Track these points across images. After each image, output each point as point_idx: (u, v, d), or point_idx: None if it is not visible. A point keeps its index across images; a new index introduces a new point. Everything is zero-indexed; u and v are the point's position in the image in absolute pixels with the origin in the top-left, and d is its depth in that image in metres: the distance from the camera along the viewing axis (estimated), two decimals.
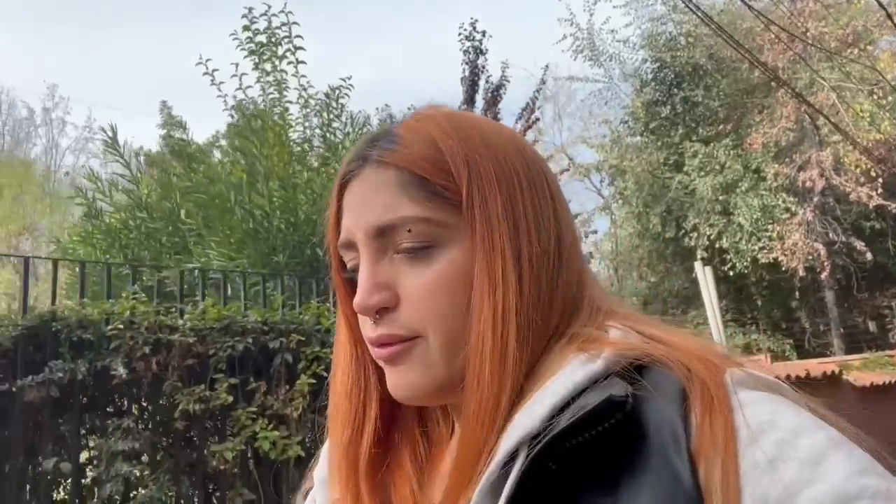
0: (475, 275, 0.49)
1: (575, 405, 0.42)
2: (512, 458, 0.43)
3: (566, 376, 0.44)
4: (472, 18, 6.87)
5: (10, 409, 2.37)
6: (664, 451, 0.41)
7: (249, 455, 2.84)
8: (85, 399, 2.54)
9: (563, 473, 0.42)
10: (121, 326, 2.52)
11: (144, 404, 2.71)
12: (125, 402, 2.66)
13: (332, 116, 6.29)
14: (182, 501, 2.67)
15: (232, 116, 6.07)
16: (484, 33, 6.86)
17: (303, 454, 2.90)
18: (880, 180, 9.40)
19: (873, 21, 9.57)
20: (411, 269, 0.51)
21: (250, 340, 2.84)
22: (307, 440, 2.95)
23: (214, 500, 2.81)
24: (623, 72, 12.51)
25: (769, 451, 0.40)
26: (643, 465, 0.41)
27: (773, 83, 9.84)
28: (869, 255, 10.03)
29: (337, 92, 6.16)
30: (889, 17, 8.63)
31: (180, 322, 2.70)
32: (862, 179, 9.69)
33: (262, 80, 5.92)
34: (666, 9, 11.60)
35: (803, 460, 0.39)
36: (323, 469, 0.60)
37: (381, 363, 0.54)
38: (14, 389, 2.34)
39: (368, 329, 0.53)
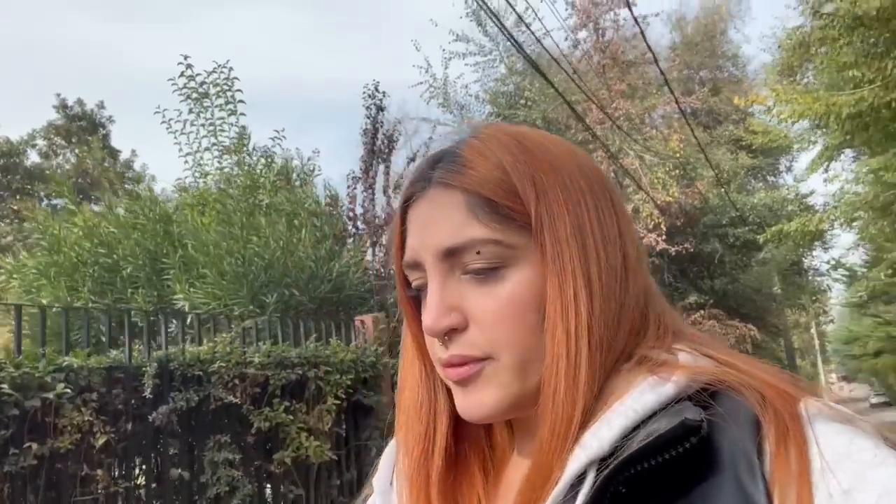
0: (547, 296, 0.49)
1: (645, 429, 0.42)
2: (580, 479, 0.43)
3: (635, 399, 0.44)
4: (374, 80, 7.92)
5: (146, 432, 3.00)
6: (738, 478, 0.40)
7: (298, 459, 3.67)
8: (193, 422, 3.21)
9: (632, 497, 0.41)
10: (223, 364, 3.24)
11: (232, 423, 3.42)
12: (222, 422, 3.35)
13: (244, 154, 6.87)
14: (259, 497, 3.44)
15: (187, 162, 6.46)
16: (384, 94, 7.94)
17: (333, 457, 3.80)
18: (663, 228, 12.04)
19: (665, 102, 12.33)
20: (480, 291, 0.51)
21: (298, 371, 3.68)
22: (333, 447, 3.84)
23: (278, 496, 3.59)
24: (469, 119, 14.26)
25: (845, 482, 0.39)
26: (716, 492, 0.41)
27: (590, 145, 12.12)
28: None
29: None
30: (678, 104, 11.33)
31: (256, 357, 3.47)
32: (651, 227, 12.31)
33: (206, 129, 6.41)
34: (506, 70, 13.56)
35: (881, 493, 0.38)
36: (383, 479, 0.60)
37: (449, 383, 0.54)
38: (149, 417, 2.97)
39: (437, 350, 0.52)
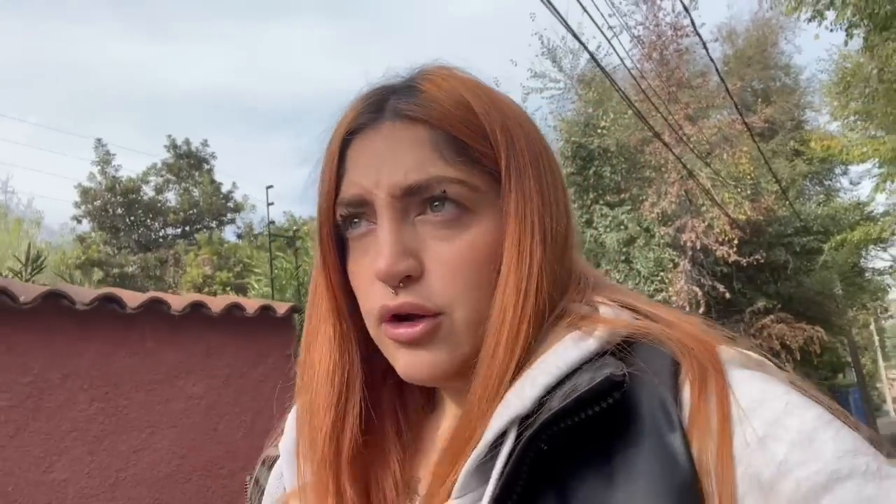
0: (506, 247, 0.47)
1: (568, 385, 0.41)
2: (501, 438, 0.42)
3: (558, 355, 0.43)
4: None
5: None
6: (658, 429, 0.40)
7: None
8: None
9: (554, 454, 0.40)
10: None
11: None
12: None
13: None
14: None
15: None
16: None
17: None
18: (735, 242, 13.17)
19: (728, 124, 13.51)
20: (439, 237, 0.47)
21: None
22: None
23: None
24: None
25: (760, 429, 0.39)
26: (637, 444, 0.40)
27: (661, 168, 13.38)
28: (724, 292, 13.86)
29: None
30: (745, 124, 12.49)
31: None
32: (721, 240, 13.46)
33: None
34: (580, 102, 14.91)
35: (794, 440, 0.39)
36: (290, 443, 0.56)
37: (386, 344, 0.49)
38: None
39: (381, 296, 0.47)
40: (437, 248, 0.48)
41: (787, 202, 15.00)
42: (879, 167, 9.18)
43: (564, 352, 0.44)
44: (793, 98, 20.50)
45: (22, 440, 2.58)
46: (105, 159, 18.43)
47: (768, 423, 0.40)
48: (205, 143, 19.93)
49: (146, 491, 2.94)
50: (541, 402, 0.41)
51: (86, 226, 18.48)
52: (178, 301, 3.23)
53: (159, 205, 19.56)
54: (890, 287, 22.76)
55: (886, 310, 28.03)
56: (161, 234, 19.70)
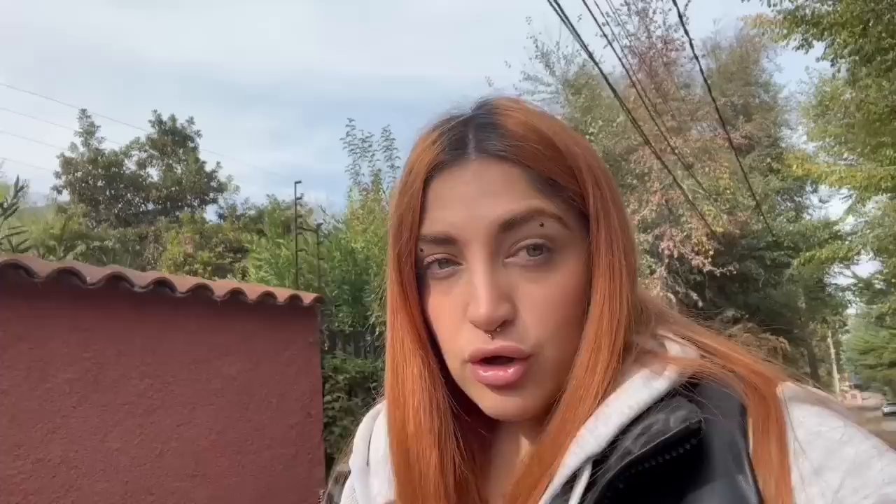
0: (598, 285, 0.48)
1: (641, 425, 0.42)
2: (574, 475, 0.43)
3: (629, 395, 0.44)
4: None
5: None
6: (728, 470, 0.41)
7: None
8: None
9: (629, 493, 0.41)
10: None
11: None
12: None
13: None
14: None
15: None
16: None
17: None
18: (711, 252, 13.68)
19: (710, 139, 13.97)
20: (530, 278, 0.47)
21: None
22: None
23: None
24: None
25: (816, 459, 0.40)
26: (708, 485, 0.41)
27: (644, 177, 13.79)
28: (696, 300, 14.38)
29: None
30: (729, 139, 12.97)
31: None
32: (697, 250, 13.96)
33: None
34: (569, 108, 15.23)
35: (849, 469, 0.39)
36: (360, 460, 0.57)
37: (479, 385, 0.49)
38: None
39: (474, 340, 0.47)
40: (528, 290, 0.47)
41: (762, 217, 15.57)
42: (850, 192, 9.69)
43: (636, 392, 0.44)
44: (771, 115, 21.17)
45: (83, 411, 2.77)
46: (89, 130, 18.20)
47: (824, 453, 0.41)
48: (190, 121, 19.80)
49: (187, 462, 3.15)
50: (613, 442, 0.43)
51: (66, 197, 18.25)
52: (219, 287, 3.43)
53: (141, 180, 19.39)
54: (850, 303, 23.74)
55: (844, 324, 29.17)
56: (142, 209, 19.54)
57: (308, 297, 4.00)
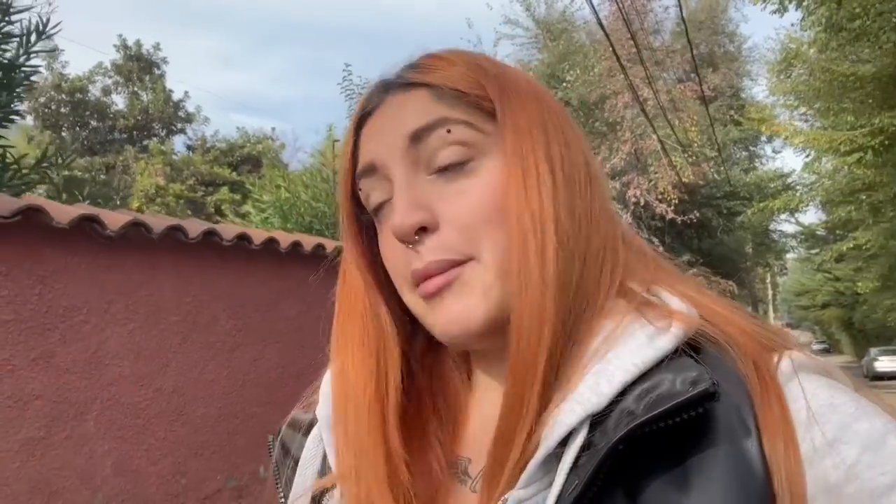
0: (509, 181, 0.47)
1: (644, 385, 0.41)
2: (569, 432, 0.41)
3: (633, 352, 0.42)
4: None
5: None
6: (734, 435, 0.40)
7: None
8: None
9: (629, 454, 0.40)
10: None
11: None
12: None
13: None
14: None
15: None
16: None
17: None
18: (675, 201, 14.47)
19: (681, 91, 14.55)
20: (451, 188, 0.48)
21: None
22: None
23: None
24: None
25: (830, 432, 0.40)
26: (713, 449, 0.40)
27: (616, 126, 14.34)
28: (658, 246, 15.27)
29: None
30: (701, 91, 13.52)
31: None
32: (661, 198, 14.73)
33: None
34: (547, 54, 15.48)
35: (865, 443, 0.39)
36: (325, 409, 0.55)
37: (419, 305, 0.49)
38: None
39: (409, 260, 0.48)
40: (450, 198, 0.47)
41: (723, 168, 16.43)
42: (809, 150, 10.48)
43: (639, 350, 0.42)
44: (734, 66, 21.78)
45: (186, 347, 3.20)
46: (52, 55, 17.49)
47: (839, 427, 0.41)
48: (157, 47, 19.19)
49: (262, 392, 3.63)
50: (613, 400, 0.41)
51: (29, 121, 17.68)
52: (284, 239, 3.84)
53: (106, 108, 18.88)
54: (792, 248, 25.32)
55: (785, 268, 31.12)
56: (108, 138, 19.11)
57: None
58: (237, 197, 16.91)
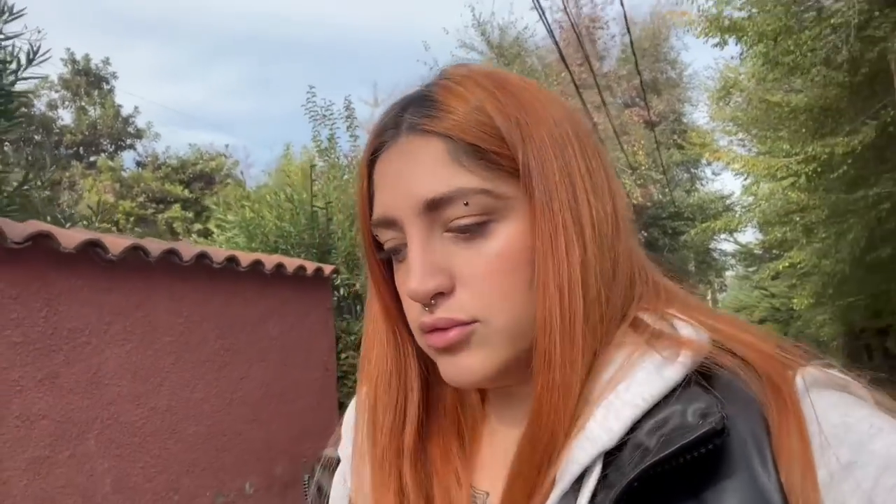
0: (536, 248, 0.46)
1: (655, 419, 0.41)
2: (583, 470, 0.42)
3: (641, 384, 0.43)
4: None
5: None
6: (749, 464, 0.40)
7: None
8: None
9: (642, 489, 0.40)
10: None
11: None
12: None
13: None
14: None
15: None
16: None
17: None
18: None
19: (629, 115, 15.24)
20: (467, 249, 0.47)
21: None
22: None
23: None
24: None
25: (845, 455, 0.39)
26: (728, 480, 0.40)
27: None
28: None
29: None
30: (649, 115, 14.19)
31: None
32: None
33: None
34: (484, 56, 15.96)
35: (880, 465, 0.38)
36: (349, 447, 0.57)
37: (430, 352, 0.50)
38: None
39: (419, 314, 0.49)
40: (465, 261, 0.47)
41: (668, 190, 17.23)
42: (747, 174, 11.16)
43: (648, 380, 0.43)
44: (676, 92, 22.85)
45: (179, 367, 3.29)
46: None
47: (854, 448, 0.39)
48: (106, 62, 18.85)
49: (248, 410, 3.74)
50: (626, 436, 0.41)
51: None
52: (269, 261, 3.97)
53: (52, 123, 18.38)
54: (731, 266, 26.49)
55: (725, 285, 32.51)
56: (54, 154, 18.56)
57: (328, 269, 4.59)
58: (189, 215, 16.68)
